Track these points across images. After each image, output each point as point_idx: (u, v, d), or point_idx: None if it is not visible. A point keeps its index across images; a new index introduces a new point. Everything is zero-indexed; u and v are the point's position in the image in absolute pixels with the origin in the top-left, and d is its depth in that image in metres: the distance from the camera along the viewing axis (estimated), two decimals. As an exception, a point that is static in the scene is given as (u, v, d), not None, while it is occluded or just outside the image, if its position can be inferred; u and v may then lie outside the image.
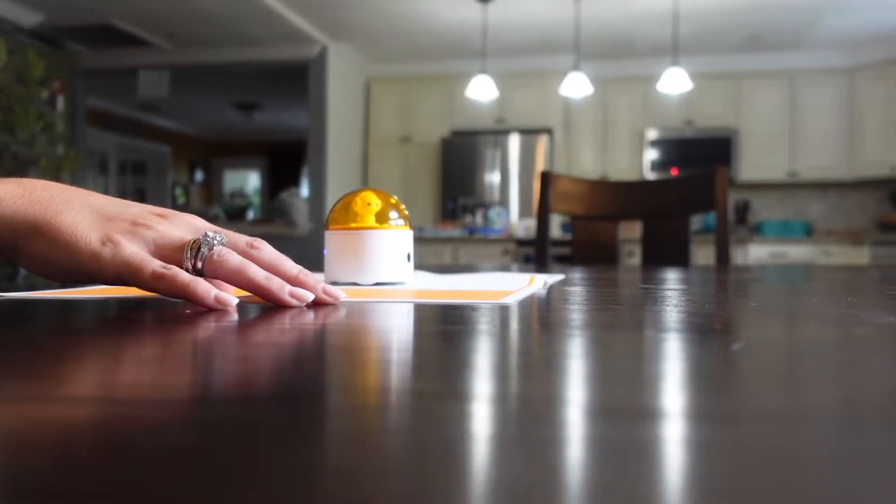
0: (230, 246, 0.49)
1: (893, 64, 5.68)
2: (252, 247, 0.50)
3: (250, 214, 9.09)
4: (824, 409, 0.20)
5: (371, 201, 0.68)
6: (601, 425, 0.17)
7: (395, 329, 0.41)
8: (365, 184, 6.54)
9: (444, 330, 0.39)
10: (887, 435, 0.17)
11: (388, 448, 0.16)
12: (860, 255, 5.50)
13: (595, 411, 0.19)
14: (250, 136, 9.51)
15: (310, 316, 0.43)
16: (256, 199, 10.13)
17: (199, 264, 0.47)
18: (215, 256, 0.47)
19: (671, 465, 0.14)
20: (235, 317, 0.42)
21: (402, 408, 0.20)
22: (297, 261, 0.52)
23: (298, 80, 6.12)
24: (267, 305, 0.48)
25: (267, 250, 0.50)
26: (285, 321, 0.41)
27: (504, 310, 0.46)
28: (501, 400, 0.20)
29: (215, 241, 0.48)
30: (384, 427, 0.18)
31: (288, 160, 9.72)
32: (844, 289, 0.71)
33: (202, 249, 0.48)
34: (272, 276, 0.48)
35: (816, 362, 0.28)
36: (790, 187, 6.23)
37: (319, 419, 0.18)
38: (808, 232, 6.02)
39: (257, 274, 0.47)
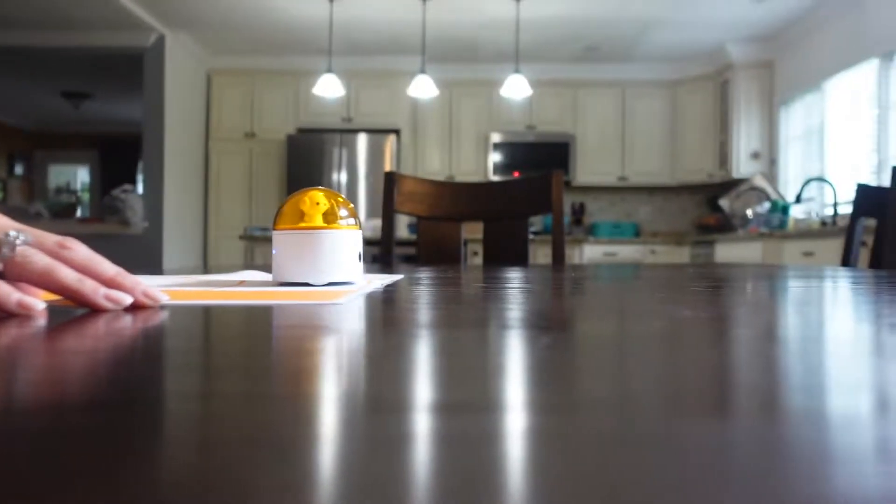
0: (36, 246, 0.46)
1: (708, 79, 6.20)
2: (62, 247, 0.46)
3: (79, 212, 8.47)
4: (638, 397, 0.21)
5: (320, 200, 0.67)
6: (438, 420, 0.17)
7: (220, 332, 0.39)
8: (206, 180, 6.29)
9: (270, 331, 0.38)
10: (692, 419, 0.18)
11: (223, 454, 0.15)
12: (682, 254, 5.96)
13: (430, 407, 0.19)
14: (79, 128, 8.86)
15: (126, 320, 0.41)
16: (86, 196, 9.46)
17: (0, 266, 0.44)
18: (19, 258, 0.44)
19: (510, 455, 0.15)
20: (42, 322, 0.39)
21: (225, 411, 0.19)
22: (132, 262, 0.49)
23: (133, 69, 5.78)
24: (81, 310, 0.45)
25: (79, 250, 0.47)
26: (98, 326, 0.38)
27: (336, 309, 0.46)
28: (330, 399, 0.20)
29: (18, 241, 0.44)
30: (218, 433, 0.17)
31: (122, 155, 9.15)
32: (659, 286, 0.77)
33: (3, 250, 0.44)
34: (85, 278, 0.45)
35: (627, 353, 0.30)
36: (621, 191, 6.64)
37: (132, 427, 0.17)
38: (636, 233, 6.44)
39: (68, 276, 0.44)
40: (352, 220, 0.68)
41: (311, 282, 0.65)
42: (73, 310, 0.45)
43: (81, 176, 9.62)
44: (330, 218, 0.66)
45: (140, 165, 5.67)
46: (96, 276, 0.46)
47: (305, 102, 6.22)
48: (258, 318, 0.44)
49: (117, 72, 6.50)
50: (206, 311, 0.47)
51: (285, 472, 0.14)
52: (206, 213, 6.32)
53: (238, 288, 0.61)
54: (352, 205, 0.69)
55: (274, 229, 0.67)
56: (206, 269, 1.08)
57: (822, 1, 4.88)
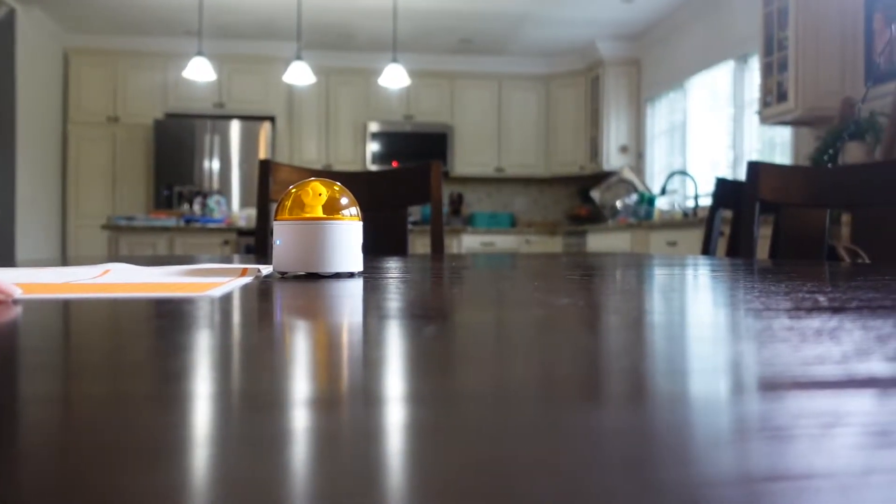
0: None
1: (580, 74, 6.43)
2: None
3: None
4: (514, 386, 0.21)
5: (321, 192, 0.67)
6: (315, 416, 0.17)
7: (80, 328, 0.36)
8: (64, 166, 5.90)
9: (138, 327, 0.36)
10: (564, 405, 0.18)
11: (85, 461, 0.14)
12: (555, 244, 6.16)
13: (307, 402, 0.18)
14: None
15: (-28, 317, 0.37)
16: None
17: None
18: None
19: (389, 450, 0.14)
20: None
21: (93, 415, 0.18)
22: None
23: (-21, 45, 5.33)
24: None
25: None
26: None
27: (210, 302, 0.43)
28: (200, 397, 0.19)
29: None
30: (79, 438, 0.15)
31: (-33, 137, 8.42)
32: (535, 275, 0.79)
33: None
34: (-77, 271, 0.40)
35: (508, 342, 0.30)
36: (498, 182, 6.77)
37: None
38: (512, 223, 6.60)
39: None
40: (354, 211, 0.68)
41: (314, 272, 0.66)
42: None
43: (-80, 160, 8.78)
44: (331, 209, 0.67)
45: (-11, 149, 5.24)
46: (-64, 268, 0.41)
47: (174, 86, 5.95)
48: (123, 313, 0.41)
49: (-39, 47, 5.97)
50: (65, 305, 0.44)
51: (155, 477, 0.13)
52: (64, 201, 5.93)
53: (101, 280, 0.57)
54: (353, 197, 0.70)
55: (275, 220, 0.68)
56: (65, 262, 1.01)
57: (685, 3, 5.16)
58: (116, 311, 0.42)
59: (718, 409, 0.18)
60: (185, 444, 0.15)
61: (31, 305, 0.43)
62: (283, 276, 0.67)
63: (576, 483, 0.12)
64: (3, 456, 0.15)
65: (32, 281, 0.55)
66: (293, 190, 0.68)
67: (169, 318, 0.37)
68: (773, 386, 0.20)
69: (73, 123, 5.89)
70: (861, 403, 0.18)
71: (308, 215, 0.67)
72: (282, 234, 0.67)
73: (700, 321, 0.38)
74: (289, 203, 0.68)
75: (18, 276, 0.59)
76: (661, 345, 0.29)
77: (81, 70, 5.91)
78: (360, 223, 0.69)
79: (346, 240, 0.67)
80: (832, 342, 0.28)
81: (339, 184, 0.69)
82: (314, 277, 0.66)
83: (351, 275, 0.69)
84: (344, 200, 0.68)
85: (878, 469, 0.13)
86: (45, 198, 5.63)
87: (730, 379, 0.22)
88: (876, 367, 0.23)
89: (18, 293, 0.45)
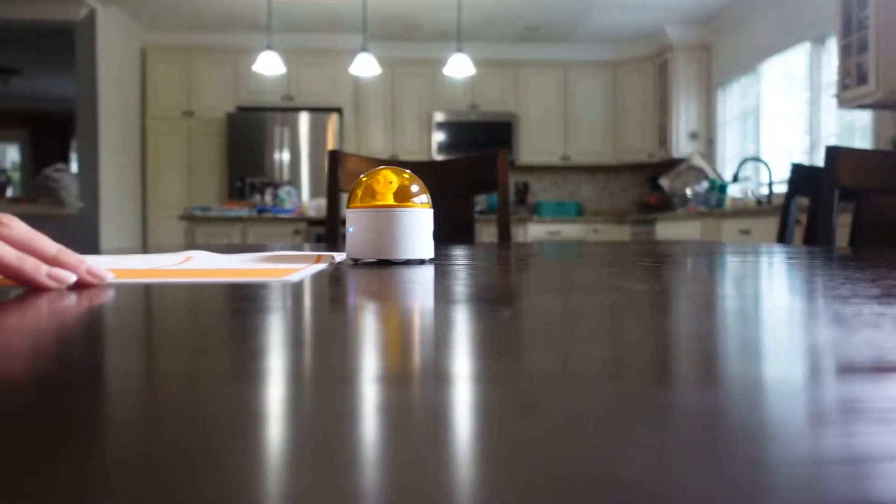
0: (-28, 224, 0.44)
1: (649, 60, 6.29)
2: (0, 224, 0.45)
3: (9, 192, 8.14)
4: (588, 367, 0.21)
5: (392, 179, 0.69)
6: (392, 392, 0.17)
7: (168, 310, 0.38)
8: (143, 159, 6.12)
9: (221, 309, 0.38)
10: (642, 387, 0.18)
11: (173, 431, 0.15)
12: (623, 233, 6.07)
13: (381, 379, 0.19)
14: (8, 105, 8.49)
15: (71, 299, 0.40)
16: (17, 176, 9.09)
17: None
18: (-47, 236, 0.42)
19: (460, 426, 0.15)
20: (-20, 302, 0.38)
21: (182, 390, 0.19)
22: (67, 244, 0.47)
23: (64, 44, 5.56)
24: (24, 289, 0.43)
25: (18, 227, 0.45)
26: (41, 305, 0.37)
27: (287, 287, 0.45)
28: (279, 375, 0.20)
29: (-48, 219, 0.43)
30: (167, 411, 0.17)
31: (54, 133, 8.81)
32: (606, 262, 0.78)
33: (-64, 228, 0.42)
34: (26, 255, 0.43)
35: (582, 325, 0.31)
36: (564, 170, 6.71)
37: (77, 407, 0.17)
38: (579, 212, 6.53)
39: (7, 254, 0.42)
40: (424, 199, 0.70)
41: (385, 259, 0.67)
42: (14, 289, 0.44)
43: (11, 155, 9.26)
44: (402, 196, 0.68)
45: (73, 144, 5.47)
46: (37, 253, 0.44)
47: (245, 80, 6.09)
48: (206, 296, 0.43)
49: (47, 47, 6.25)
50: (153, 289, 0.46)
51: (233, 449, 0.14)
52: (144, 192, 6.16)
53: (185, 266, 0.59)
54: (423, 184, 0.72)
55: (347, 208, 0.70)
56: (146, 251, 1.05)
57: (758, -16, 5.00)
58: (199, 294, 0.44)
59: (789, 393, 0.18)
60: (262, 418, 0.16)
61: (122, 289, 0.45)
62: (356, 263, 0.68)
63: (647, 463, 0.13)
64: (95, 424, 0.16)
65: (122, 267, 0.58)
66: (364, 178, 0.69)
67: (249, 301, 0.39)
68: (866, 369, 0.20)
69: (150, 118, 6.10)
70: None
71: (379, 203, 0.68)
72: (354, 222, 0.68)
73: (774, 308, 0.38)
74: (360, 191, 0.69)
75: (109, 263, 0.62)
76: (734, 330, 0.29)
77: (158, 66, 6.10)
78: (431, 210, 0.70)
79: (418, 227, 0.68)
80: (913, 326, 0.27)
81: (409, 172, 0.70)
82: (386, 264, 0.67)
83: (422, 261, 0.70)
84: (414, 188, 0.69)
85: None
86: (126, 190, 5.85)
87: (820, 363, 0.22)
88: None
89: (111, 277, 0.47)
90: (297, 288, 0.45)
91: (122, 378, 0.20)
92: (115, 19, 5.52)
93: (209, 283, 0.48)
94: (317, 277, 0.53)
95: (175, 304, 0.40)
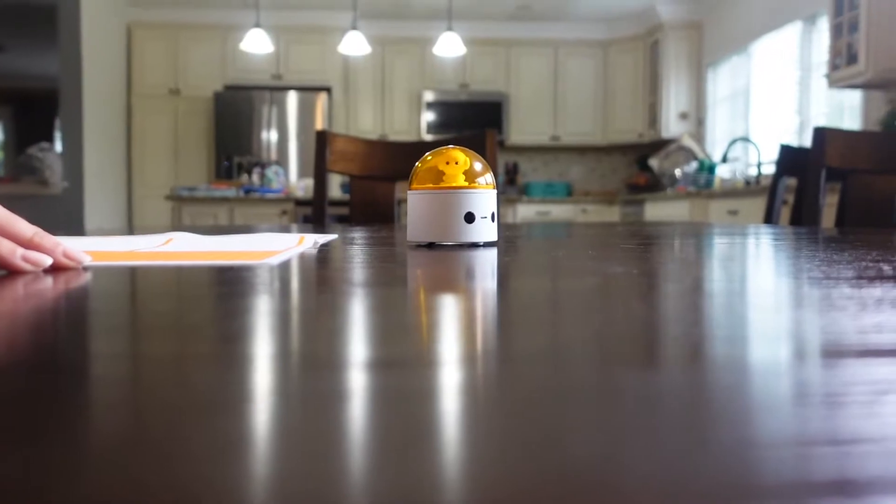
0: (-56, 205, 0.43)
1: (639, 39, 6.27)
2: (-27, 206, 0.44)
3: (-8, 171, 8.05)
4: (558, 349, 0.21)
5: (459, 159, 0.65)
6: (372, 376, 0.17)
7: (145, 293, 0.38)
8: (129, 138, 6.07)
9: (198, 291, 0.37)
10: (619, 371, 0.18)
11: (153, 417, 0.14)
12: (612, 213, 6.08)
13: (364, 364, 0.19)
14: (-11, 83, 8.38)
15: (46, 282, 0.39)
16: (0, 155, 9.00)
17: None
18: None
19: (447, 409, 0.15)
20: (-48, 285, 0.37)
21: (164, 371, 0.19)
22: (51, 224, 0.46)
23: (46, 21, 5.48)
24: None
25: (-8, 210, 0.44)
26: (17, 288, 0.37)
27: (267, 269, 0.45)
28: (263, 358, 0.20)
29: (-76, 200, 0.42)
30: (147, 395, 0.16)
31: (37, 111, 8.71)
32: (590, 244, 0.78)
33: None
34: (1, 238, 0.43)
35: (556, 309, 0.30)
36: (554, 151, 6.70)
37: (57, 391, 0.17)
38: (569, 192, 6.53)
39: (-19, 237, 0.42)
40: (489, 179, 0.66)
41: (439, 242, 0.64)
42: (-13, 272, 0.43)
43: (-6, 134, 9.15)
44: (470, 177, 0.65)
45: (57, 122, 5.41)
46: (13, 236, 0.43)
47: (233, 58, 6.03)
48: (186, 279, 0.43)
49: (29, 23, 6.16)
50: (131, 271, 0.45)
51: (219, 433, 0.13)
52: (129, 172, 6.11)
53: (165, 248, 0.59)
54: (488, 165, 0.68)
55: (410, 189, 0.67)
56: (131, 231, 1.04)
57: (749, -37, 4.97)
58: (179, 277, 0.44)
59: (770, 374, 0.18)
60: (240, 400, 0.16)
61: (98, 272, 0.44)
62: (344, 244, 0.68)
63: (626, 441, 0.13)
64: (74, 409, 0.16)
65: (100, 249, 0.58)
66: (429, 157, 0.66)
67: (229, 283, 0.39)
68: (827, 353, 0.20)
69: (136, 96, 6.04)
70: (918, 371, 0.18)
71: (447, 184, 0.65)
72: (416, 204, 0.65)
73: (756, 289, 0.38)
74: (423, 172, 0.66)
75: (87, 245, 0.62)
76: (715, 311, 0.29)
77: (144, 43, 6.03)
78: (495, 191, 0.67)
79: (481, 208, 0.64)
80: (893, 311, 0.27)
81: (471, 151, 0.68)
82: (373, 244, 0.66)
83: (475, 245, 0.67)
84: (478, 166, 0.66)
85: (931, 436, 0.13)
86: (111, 169, 5.81)
87: (783, 346, 0.21)
88: (938, 336, 0.22)
89: (88, 260, 0.47)
90: (276, 271, 0.45)
91: (95, 361, 0.20)
92: (99, -4, 5.44)
93: (188, 266, 0.48)
94: (298, 260, 0.52)
95: (151, 287, 0.40)
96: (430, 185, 0.65)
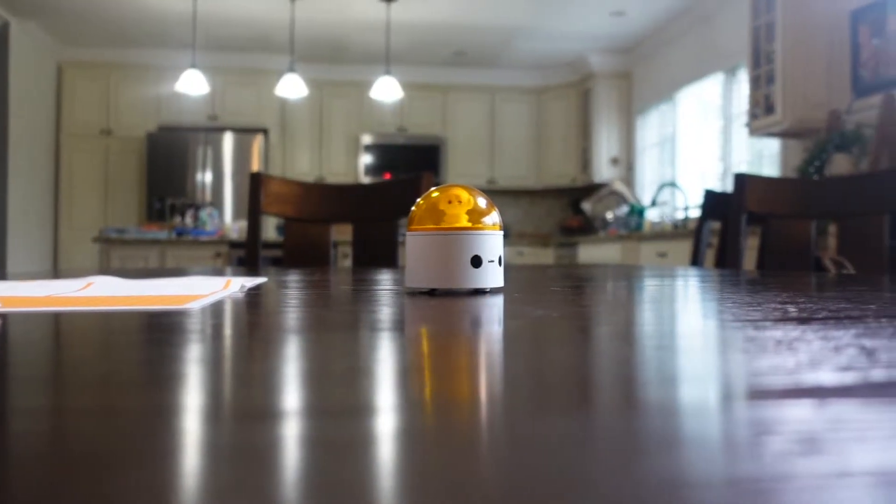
0: None
1: (572, 87, 6.46)
2: None
3: None
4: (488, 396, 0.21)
5: (462, 198, 0.61)
6: (302, 425, 0.17)
7: (57, 341, 0.37)
8: (57, 178, 5.89)
9: (115, 339, 0.36)
10: (546, 414, 0.18)
11: (74, 472, 0.14)
12: (547, 255, 6.17)
13: (294, 412, 0.18)
14: None
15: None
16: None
17: None
18: None
19: (377, 458, 0.15)
20: None
21: (72, 426, 0.18)
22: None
23: (-29, 58, 5.33)
24: None
25: None
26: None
27: (184, 316, 0.44)
28: (187, 409, 0.19)
29: None
30: (68, 450, 0.16)
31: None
32: (523, 286, 0.79)
33: None
34: None
35: (481, 354, 0.31)
36: (490, 193, 6.79)
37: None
38: (505, 235, 6.60)
39: None
40: (495, 219, 0.62)
41: (442, 288, 0.60)
42: None
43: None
44: (475, 217, 0.60)
45: (-20, 162, 5.23)
46: (-85, 282, 0.42)
47: (167, 99, 5.96)
48: (101, 326, 0.42)
49: (-47, 59, 5.97)
50: (45, 318, 0.44)
51: (144, 487, 0.13)
52: (56, 212, 5.92)
53: (83, 293, 0.57)
54: (493, 204, 0.63)
55: (408, 231, 0.62)
56: (56, 274, 1.01)
57: (675, 18, 5.21)
58: (95, 324, 0.43)
59: (663, 417, 0.18)
60: (171, 454, 0.15)
61: (10, 319, 0.43)
62: (275, 287, 0.67)
63: (563, 488, 0.13)
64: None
65: (14, 294, 0.56)
66: (433, 194, 0.62)
67: (147, 330, 0.38)
68: (724, 397, 0.21)
69: (66, 135, 5.89)
70: (798, 413, 0.19)
71: (448, 225, 0.60)
72: (415, 246, 0.61)
73: (664, 332, 0.39)
74: (424, 211, 0.62)
75: (1, 290, 0.59)
76: (617, 354, 0.29)
77: (75, 82, 5.91)
78: (501, 233, 0.63)
79: (487, 251, 0.60)
80: (789, 353, 0.28)
81: (476, 190, 0.64)
82: (305, 287, 0.66)
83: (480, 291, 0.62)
84: (482, 203, 0.62)
85: (800, 475, 0.14)
86: (37, 210, 5.62)
87: (679, 389, 0.22)
88: (824, 377, 0.23)
89: (-2, 306, 0.45)
90: (197, 317, 0.44)
91: (13, 415, 0.19)
92: (29, 33, 5.32)
93: (104, 312, 0.47)
94: (220, 305, 0.52)
95: (65, 335, 0.39)
96: (431, 226, 0.61)
